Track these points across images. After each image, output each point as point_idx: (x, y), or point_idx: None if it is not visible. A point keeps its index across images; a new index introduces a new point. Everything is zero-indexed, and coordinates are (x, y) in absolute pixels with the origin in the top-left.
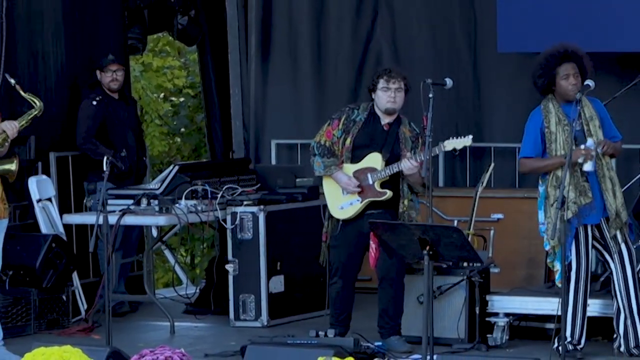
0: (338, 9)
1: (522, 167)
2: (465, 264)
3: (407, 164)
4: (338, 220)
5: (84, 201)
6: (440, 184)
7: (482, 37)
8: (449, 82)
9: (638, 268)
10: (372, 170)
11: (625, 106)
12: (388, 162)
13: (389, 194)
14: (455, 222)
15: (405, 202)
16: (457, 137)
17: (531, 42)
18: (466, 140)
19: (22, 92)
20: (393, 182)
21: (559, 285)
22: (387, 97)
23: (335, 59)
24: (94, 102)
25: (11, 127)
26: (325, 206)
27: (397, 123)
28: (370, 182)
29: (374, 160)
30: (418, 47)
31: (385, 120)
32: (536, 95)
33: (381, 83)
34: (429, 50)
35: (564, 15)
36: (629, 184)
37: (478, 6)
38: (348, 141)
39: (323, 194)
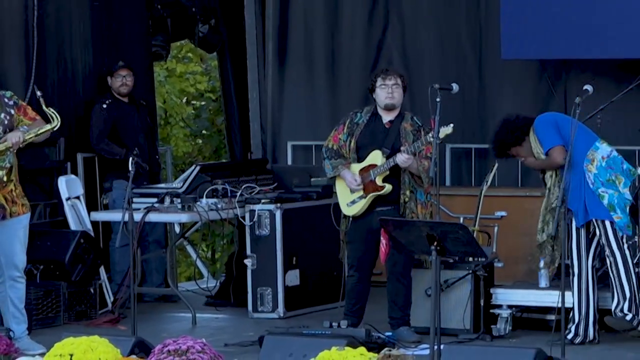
0: (351, 18)
1: None
2: (470, 259)
3: (401, 157)
4: (348, 217)
5: (101, 198)
6: (447, 183)
7: (487, 44)
8: (455, 87)
9: (636, 259)
10: (374, 166)
11: (623, 109)
12: (389, 158)
13: (387, 187)
14: (461, 219)
15: (407, 192)
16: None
17: (533, 49)
18: (447, 129)
19: (43, 106)
20: (395, 175)
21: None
22: (385, 93)
23: (348, 65)
24: (104, 106)
25: (14, 137)
26: (335, 205)
27: (399, 119)
28: (372, 177)
29: (375, 157)
30: (426, 54)
31: (387, 118)
32: (538, 99)
33: (379, 81)
34: (437, 57)
35: (565, 24)
36: None
37: (483, 15)
38: (352, 143)
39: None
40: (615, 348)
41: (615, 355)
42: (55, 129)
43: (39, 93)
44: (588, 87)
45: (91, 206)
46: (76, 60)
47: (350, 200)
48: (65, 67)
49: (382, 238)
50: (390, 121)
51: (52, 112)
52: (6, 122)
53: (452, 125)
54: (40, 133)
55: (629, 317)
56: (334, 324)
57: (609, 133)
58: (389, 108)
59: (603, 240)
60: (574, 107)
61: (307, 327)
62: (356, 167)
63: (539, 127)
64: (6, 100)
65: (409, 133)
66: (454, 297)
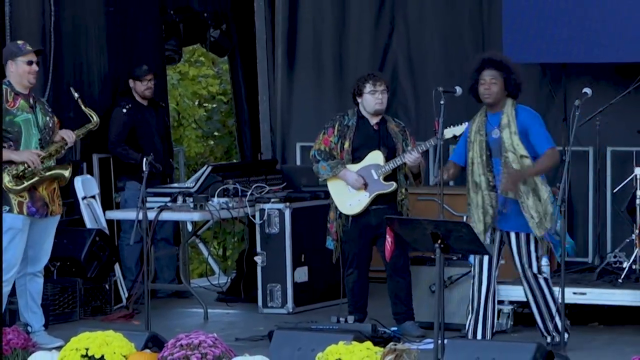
0: (358, 23)
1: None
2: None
3: (412, 156)
4: (347, 216)
5: (113, 197)
6: (451, 182)
7: (490, 48)
8: (458, 90)
9: (634, 256)
10: (376, 166)
11: (621, 112)
12: (387, 158)
13: (395, 185)
14: (465, 218)
15: (403, 190)
16: (454, 126)
17: (534, 53)
18: (463, 127)
19: (82, 106)
20: (392, 175)
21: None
22: (375, 99)
23: (355, 68)
24: (124, 110)
25: (70, 136)
26: (328, 207)
27: (383, 122)
28: (376, 177)
29: (375, 157)
30: (430, 58)
31: (373, 121)
32: (539, 102)
33: (368, 87)
34: (441, 60)
35: (565, 28)
36: (623, 184)
37: (486, 20)
38: (347, 144)
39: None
40: (615, 342)
41: (615, 349)
42: (95, 127)
43: (76, 95)
44: (587, 90)
45: (106, 205)
46: (92, 64)
47: (350, 201)
48: (81, 71)
49: (387, 236)
50: (377, 124)
51: (91, 112)
52: (51, 124)
53: (466, 123)
54: (85, 132)
55: (557, 339)
56: (341, 319)
57: (607, 135)
58: (378, 113)
59: (524, 254)
60: (573, 110)
61: (315, 322)
62: (353, 167)
63: (538, 120)
64: (46, 107)
65: (397, 134)
66: (458, 293)
